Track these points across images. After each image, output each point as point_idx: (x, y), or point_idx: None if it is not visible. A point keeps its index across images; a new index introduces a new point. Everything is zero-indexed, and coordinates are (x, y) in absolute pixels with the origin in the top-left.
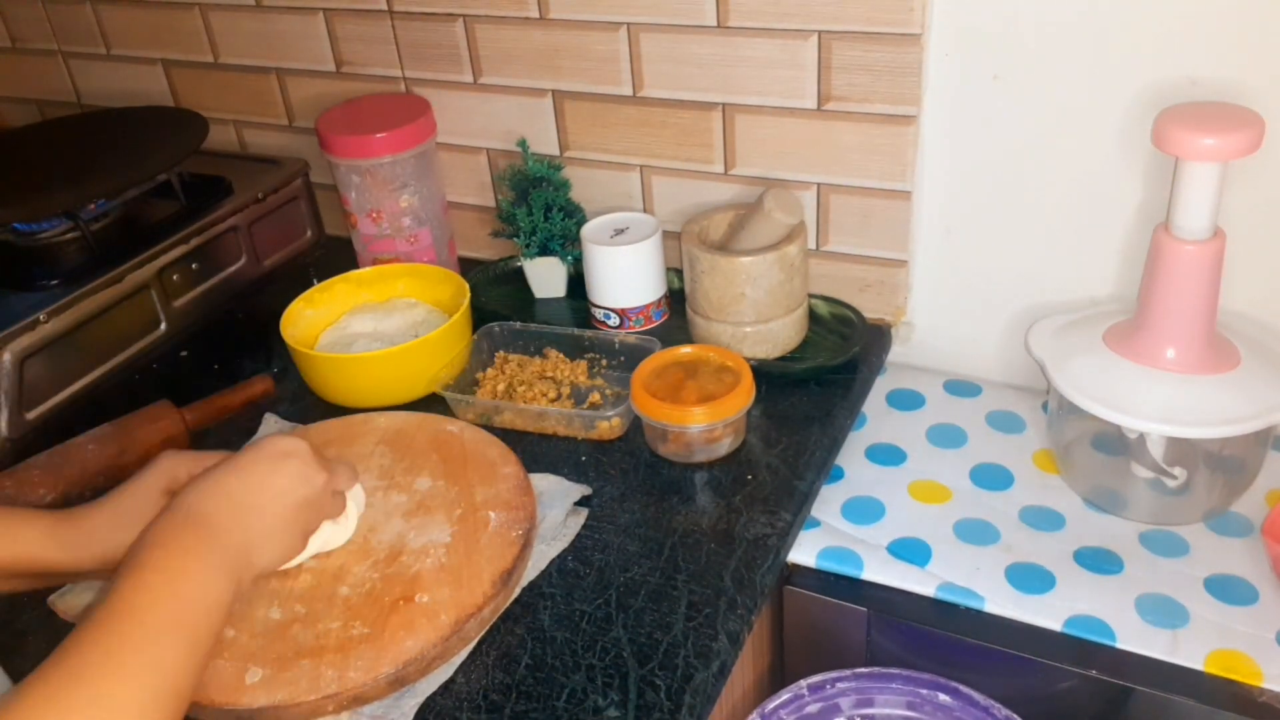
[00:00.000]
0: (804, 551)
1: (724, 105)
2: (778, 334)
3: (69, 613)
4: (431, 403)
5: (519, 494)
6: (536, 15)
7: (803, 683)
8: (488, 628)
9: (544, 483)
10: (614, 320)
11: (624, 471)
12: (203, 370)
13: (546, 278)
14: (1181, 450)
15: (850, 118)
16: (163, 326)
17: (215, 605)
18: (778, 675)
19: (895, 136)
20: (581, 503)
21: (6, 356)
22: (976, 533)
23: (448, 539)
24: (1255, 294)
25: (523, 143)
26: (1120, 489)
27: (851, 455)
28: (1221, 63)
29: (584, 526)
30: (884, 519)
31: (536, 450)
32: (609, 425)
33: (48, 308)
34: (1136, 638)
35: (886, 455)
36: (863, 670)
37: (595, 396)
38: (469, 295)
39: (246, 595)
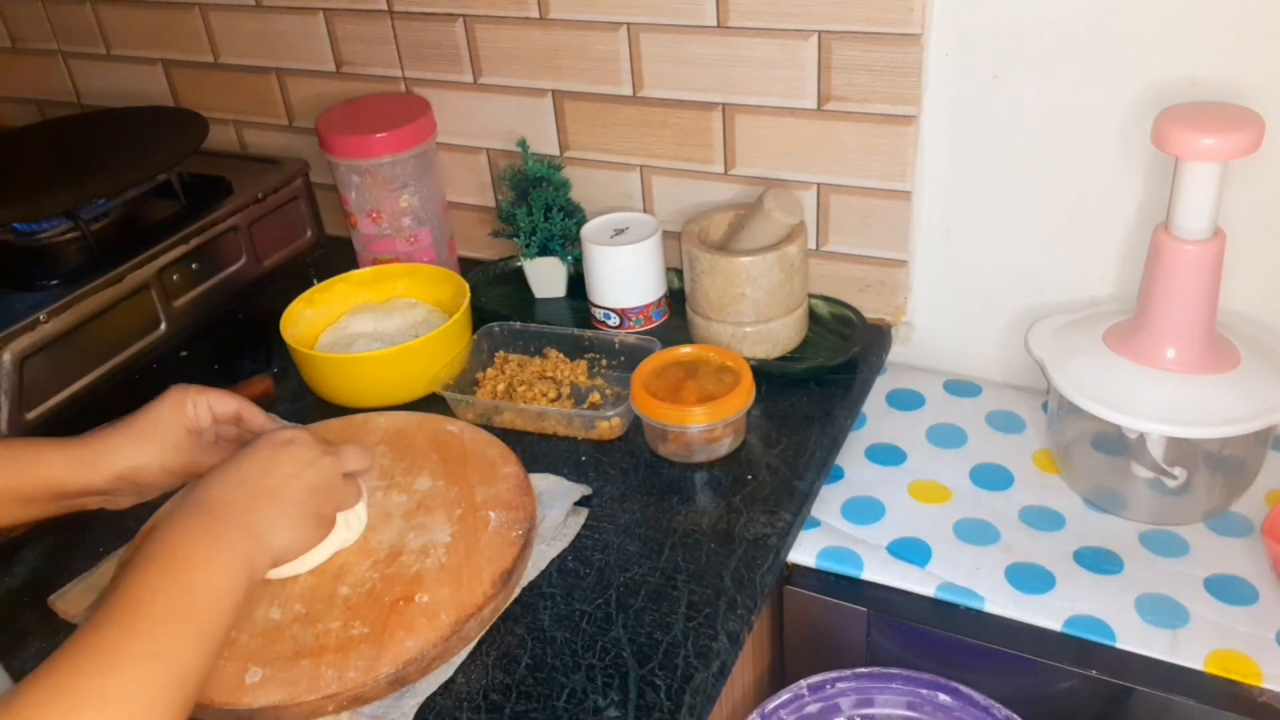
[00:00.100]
0: (804, 551)
1: (724, 105)
2: (778, 334)
3: (69, 613)
4: (431, 403)
5: (519, 494)
6: (536, 15)
7: (803, 683)
8: (488, 628)
9: (544, 483)
10: (614, 320)
11: (624, 471)
12: (203, 370)
13: (546, 278)
14: (1181, 450)
15: (850, 118)
16: (163, 326)
17: (224, 591)
18: (778, 675)
19: (895, 136)
20: (581, 503)
21: (6, 356)
22: (976, 533)
23: (448, 539)
24: (1255, 294)
25: (523, 143)
26: (1120, 489)
27: (851, 455)
28: (1221, 63)
29: (584, 526)
30: (884, 519)
31: (536, 450)
32: (609, 425)
33: (48, 308)
34: (1136, 638)
35: (886, 455)
36: (863, 670)
37: (595, 396)
38: (469, 295)
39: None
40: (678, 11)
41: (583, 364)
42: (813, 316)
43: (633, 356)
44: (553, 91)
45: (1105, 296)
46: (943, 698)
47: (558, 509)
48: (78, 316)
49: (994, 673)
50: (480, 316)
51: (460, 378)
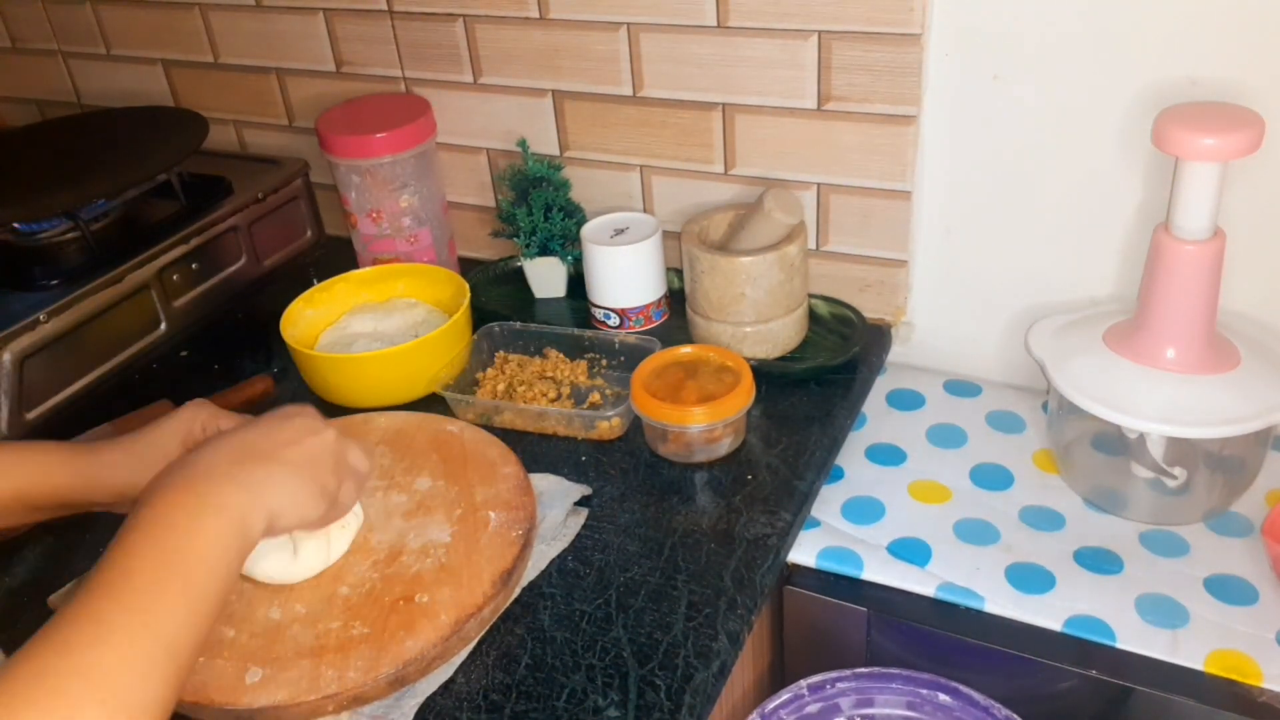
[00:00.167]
0: (804, 551)
1: (724, 105)
2: (778, 334)
3: None
4: (431, 403)
5: (519, 494)
6: (536, 15)
7: (803, 683)
8: (488, 628)
9: (544, 483)
10: (614, 320)
11: (624, 471)
12: (203, 370)
13: (546, 278)
14: (1181, 450)
15: (850, 118)
16: (163, 326)
17: (213, 556)
18: (778, 675)
19: (895, 136)
20: (581, 503)
21: (6, 356)
22: (976, 533)
23: (448, 539)
24: (1255, 294)
25: (523, 143)
26: (1120, 489)
27: (851, 455)
28: (1221, 63)
29: (584, 526)
30: (884, 519)
31: (536, 450)
32: (609, 425)
33: (48, 308)
34: (1136, 638)
35: (886, 455)
36: (863, 670)
37: (595, 396)
38: (469, 295)
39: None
40: (678, 11)
41: (583, 364)
42: (813, 316)
43: (633, 356)
44: (553, 91)
45: (1105, 296)
46: (943, 698)
47: (558, 509)
48: (78, 316)
49: (994, 673)
50: (480, 316)
51: (460, 378)
